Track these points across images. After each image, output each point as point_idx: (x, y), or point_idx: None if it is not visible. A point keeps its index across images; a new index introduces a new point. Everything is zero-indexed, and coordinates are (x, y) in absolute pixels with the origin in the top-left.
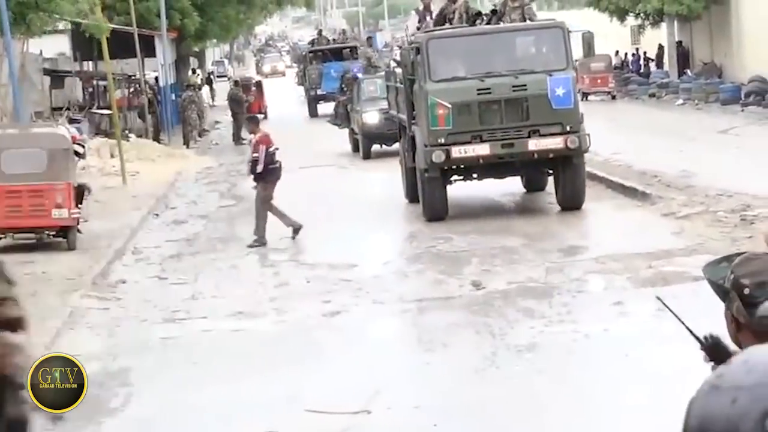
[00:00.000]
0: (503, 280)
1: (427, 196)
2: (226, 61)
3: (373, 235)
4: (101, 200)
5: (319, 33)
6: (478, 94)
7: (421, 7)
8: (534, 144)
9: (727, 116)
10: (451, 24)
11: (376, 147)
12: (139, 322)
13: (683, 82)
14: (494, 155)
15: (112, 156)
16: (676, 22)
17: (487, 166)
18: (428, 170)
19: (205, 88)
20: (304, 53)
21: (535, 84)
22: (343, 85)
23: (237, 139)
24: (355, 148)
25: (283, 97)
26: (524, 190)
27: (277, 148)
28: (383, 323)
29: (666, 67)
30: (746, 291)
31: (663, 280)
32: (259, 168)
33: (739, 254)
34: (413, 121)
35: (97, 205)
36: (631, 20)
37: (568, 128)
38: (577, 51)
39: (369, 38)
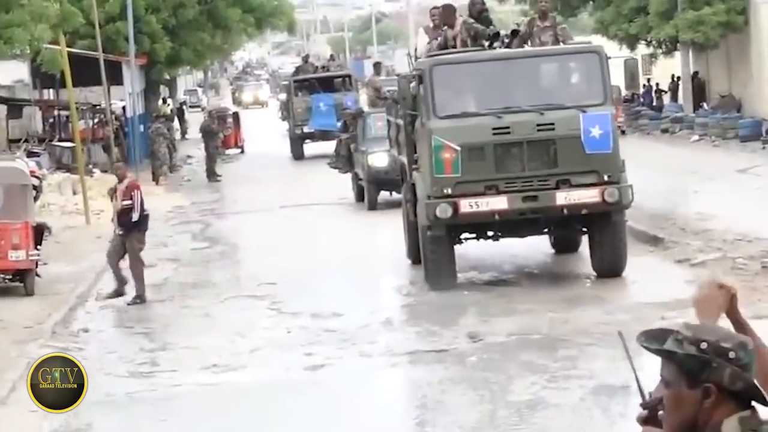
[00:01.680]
0: (503, 331)
1: (430, 258)
2: (199, 90)
3: (361, 284)
4: (62, 241)
5: (305, 59)
6: (494, 134)
7: (431, 24)
8: (563, 197)
9: (747, 154)
10: None
11: (385, 195)
12: (103, 375)
13: (699, 117)
14: (513, 210)
15: (74, 193)
16: (691, 51)
17: (505, 223)
18: (431, 227)
19: (177, 120)
20: (287, 83)
21: (565, 122)
22: (345, 121)
23: (211, 175)
24: (360, 197)
25: (265, 131)
26: (552, 250)
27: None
28: (371, 378)
29: (680, 100)
30: (732, 355)
31: None
32: (135, 216)
33: (664, 330)
34: (414, 166)
35: (57, 247)
36: (642, 49)
37: (605, 177)
38: (617, 81)
39: (377, 65)
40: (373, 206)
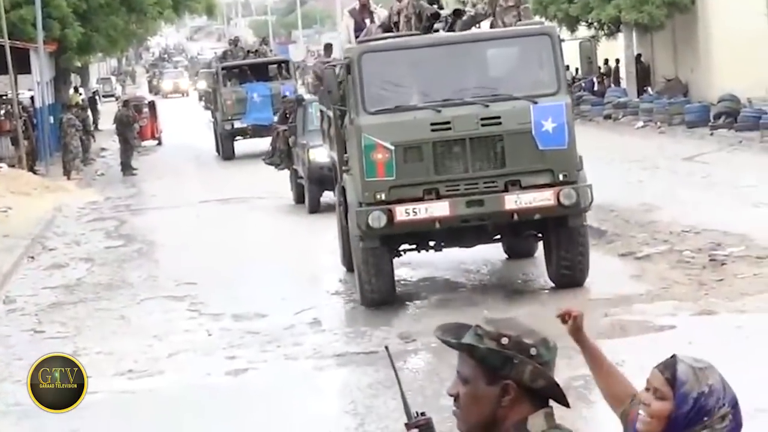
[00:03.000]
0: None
1: (364, 273)
2: (113, 78)
3: (288, 284)
4: None
5: (234, 42)
6: (433, 130)
7: (356, 5)
8: (513, 201)
9: (694, 140)
10: (397, 31)
11: (330, 195)
12: (11, 383)
13: (643, 102)
14: (456, 217)
15: None
16: (634, 33)
17: (448, 232)
18: (364, 238)
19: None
20: (212, 70)
21: (514, 115)
22: (284, 111)
23: (126, 168)
24: (300, 197)
25: (185, 122)
26: (505, 255)
27: None
28: (296, 383)
29: (623, 84)
30: (533, 351)
31: (621, 330)
32: None
33: (461, 324)
34: (345, 168)
35: None
36: (582, 30)
37: (560, 177)
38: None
39: (328, 46)
40: (315, 208)
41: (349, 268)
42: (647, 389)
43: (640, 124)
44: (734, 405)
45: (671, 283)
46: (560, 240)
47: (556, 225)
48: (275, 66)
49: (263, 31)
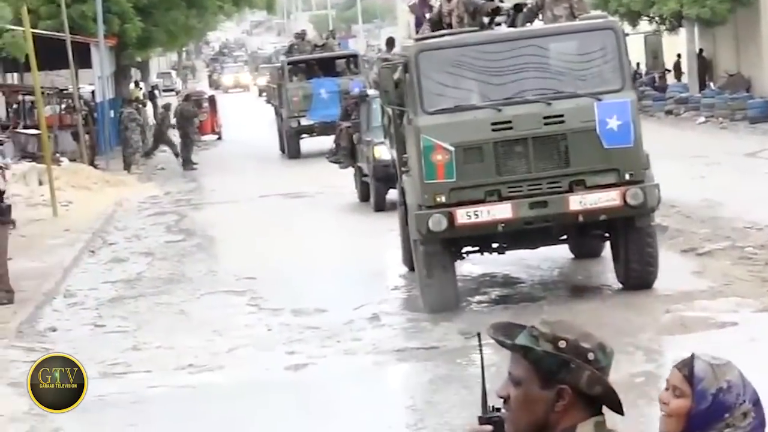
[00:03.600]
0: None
1: (425, 277)
2: (173, 73)
3: (347, 279)
4: (28, 235)
5: (302, 36)
6: (494, 130)
7: (417, 0)
8: (578, 201)
9: (757, 136)
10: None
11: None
12: None
13: (705, 97)
14: (519, 219)
15: (40, 183)
16: (696, 28)
17: (511, 234)
18: (424, 242)
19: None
20: (279, 65)
21: (578, 113)
22: (347, 107)
23: (187, 163)
24: (365, 196)
25: (245, 117)
26: (571, 255)
27: None
28: (356, 378)
29: (685, 79)
30: (591, 356)
31: (683, 326)
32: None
33: (514, 324)
34: (404, 169)
35: (22, 241)
36: (644, 25)
37: (627, 176)
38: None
39: (390, 40)
40: (381, 207)
41: (411, 269)
42: (666, 389)
43: (702, 119)
44: (756, 402)
45: (733, 279)
46: (628, 241)
47: (623, 225)
48: (343, 61)
49: (323, 25)
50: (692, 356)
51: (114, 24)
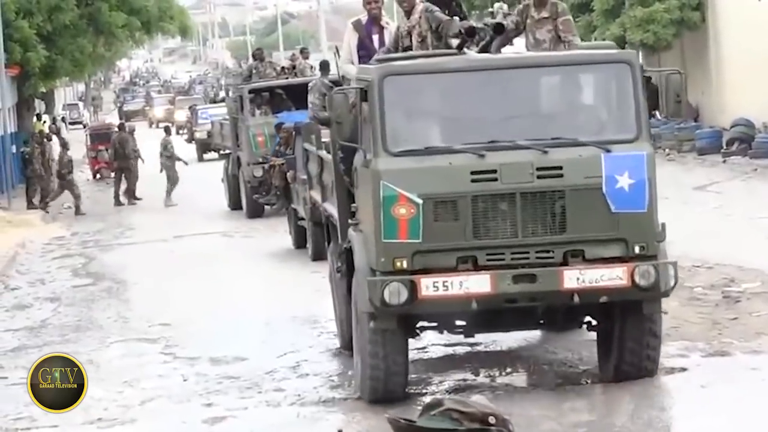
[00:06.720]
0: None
1: (370, 359)
2: (80, 104)
3: (269, 325)
4: None
5: (260, 57)
6: (474, 180)
7: (363, 18)
8: (574, 277)
9: (705, 169)
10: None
11: None
12: None
13: (651, 127)
14: (500, 295)
15: None
16: (641, 54)
17: (484, 314)
18: (376, 316)
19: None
20: (236, 96)
21: (580, 166)
22: (279, 141)
23: (124, 198)
24: (300, 242)
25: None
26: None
27: None
28: (278, 431)
29: None
30: (511, 427)
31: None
32: None
33: (428, 405)
34: (353, 221)
35: None
36: None
37: (636, 249)
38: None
39: (325, 64)
40: (319, 255)
41: (347, 347)
42: None
43: None
44: None
45: (682, 322)
46: (626, 328)
47: (624, 310)
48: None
49: (241, 52)
50: None
51: (16, 52)
